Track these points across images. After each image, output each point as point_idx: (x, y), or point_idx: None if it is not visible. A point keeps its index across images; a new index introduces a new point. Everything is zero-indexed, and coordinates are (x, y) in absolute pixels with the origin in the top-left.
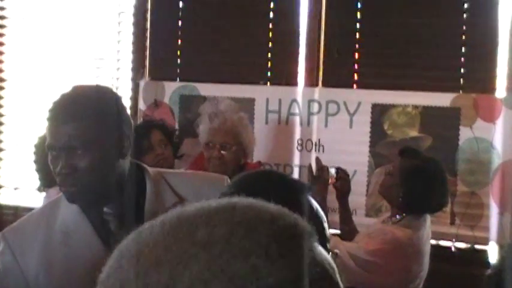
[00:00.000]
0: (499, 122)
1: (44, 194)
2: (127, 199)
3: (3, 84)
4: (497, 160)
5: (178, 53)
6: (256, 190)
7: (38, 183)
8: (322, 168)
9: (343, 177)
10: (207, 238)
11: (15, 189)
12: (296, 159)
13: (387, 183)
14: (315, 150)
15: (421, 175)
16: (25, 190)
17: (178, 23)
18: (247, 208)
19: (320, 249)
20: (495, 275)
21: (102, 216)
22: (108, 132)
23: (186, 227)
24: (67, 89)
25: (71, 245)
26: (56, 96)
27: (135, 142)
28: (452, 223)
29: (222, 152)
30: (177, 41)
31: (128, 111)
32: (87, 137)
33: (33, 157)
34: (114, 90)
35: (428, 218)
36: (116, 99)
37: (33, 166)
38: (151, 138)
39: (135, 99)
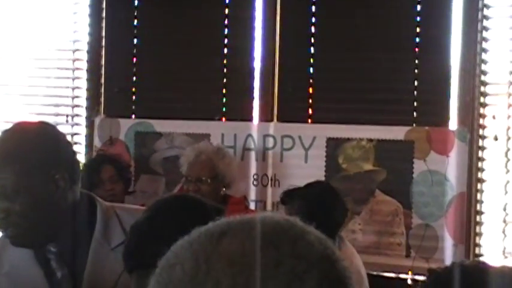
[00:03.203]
0: (452, 155)
1: None
2: (72, 236)
3: None
4: (450, 192)
5: (133, 90)
6: (172, 214)
7: None
8: None
9: None
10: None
11: None
12: (252, 194)
13: None
14: (271, 185)
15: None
16: None
17: (132, 60)
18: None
19: None
20: None
21: (45, 254)
22: (38, 174)
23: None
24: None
25: (17, 282)
26: None
27: (87, 176)
28: (407, 255)
29: (199, 185)
30: (132, 78)
31: (83, 148)
32: (16, 181)
33: None
34: (55, 127)
35: None
36: (54, 136)
37: None
38: (101, 173)
39: (90, 136)
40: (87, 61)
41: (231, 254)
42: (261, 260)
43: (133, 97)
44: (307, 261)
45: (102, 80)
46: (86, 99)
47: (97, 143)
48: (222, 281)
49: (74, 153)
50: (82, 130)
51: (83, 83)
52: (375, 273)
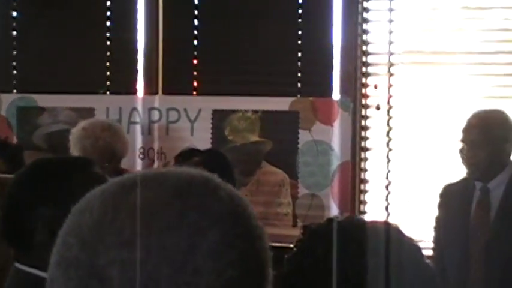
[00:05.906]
0: (336, 124)
1: None
2: None
3: None
4: (335, 162)
5: (14, 63)
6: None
7: None
8: None
9: None
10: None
11: None
12: (139, 168)
13: None
14: (157, 158)
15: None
16: None
17: (13, 33)
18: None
19: None
20: (294, 258)
21: None
22: None
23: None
24: None
25: None
26: None
27: None
28: (294, 225)
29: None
30: (13, 52)
31: None
32: None
33: None
34: None
35: None
36: None
37: None
38: None
39: None
40: None
41: (137, 204)
42: (167, 212)
43: (14, 71)
44: (212, 216)
45: None
46: None
47: None
48: (124, 231)
49: None
50: None
51: None
52: None
